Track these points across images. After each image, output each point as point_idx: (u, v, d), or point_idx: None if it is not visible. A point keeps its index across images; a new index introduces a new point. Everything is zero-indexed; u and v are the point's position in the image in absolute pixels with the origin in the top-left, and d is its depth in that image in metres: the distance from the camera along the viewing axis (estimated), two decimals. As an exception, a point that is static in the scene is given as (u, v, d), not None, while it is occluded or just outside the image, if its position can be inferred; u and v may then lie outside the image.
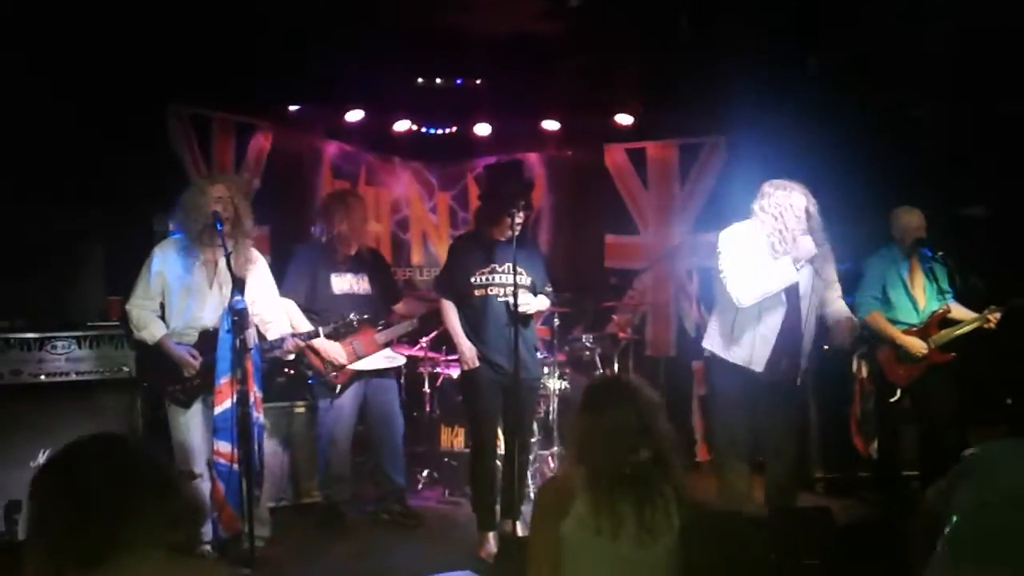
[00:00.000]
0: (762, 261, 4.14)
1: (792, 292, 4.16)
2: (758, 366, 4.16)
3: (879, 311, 5.10)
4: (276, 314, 4.45)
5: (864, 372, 5.39)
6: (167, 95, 5.61)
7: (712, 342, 4.34)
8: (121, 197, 5.26)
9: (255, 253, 4.38)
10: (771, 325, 4.16)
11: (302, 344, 4.49)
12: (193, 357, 4.13)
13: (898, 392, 5.05)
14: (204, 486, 4.10)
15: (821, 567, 3.19)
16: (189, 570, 1.69)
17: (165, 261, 4.20)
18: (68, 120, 4.90)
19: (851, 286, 5.36)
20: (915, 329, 5.04)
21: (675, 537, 2.36)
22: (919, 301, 5.08)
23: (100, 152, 5.07)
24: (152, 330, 4.14)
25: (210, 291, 4.20)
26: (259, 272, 4.38)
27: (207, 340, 4.15)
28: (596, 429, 2.40)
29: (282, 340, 4.35)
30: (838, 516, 3.62)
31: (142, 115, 5.41)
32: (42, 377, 4.54)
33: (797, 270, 4.13)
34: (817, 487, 5.65)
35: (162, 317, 4.22)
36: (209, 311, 4.19)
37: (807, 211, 4.14)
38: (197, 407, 4.18)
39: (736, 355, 4.21)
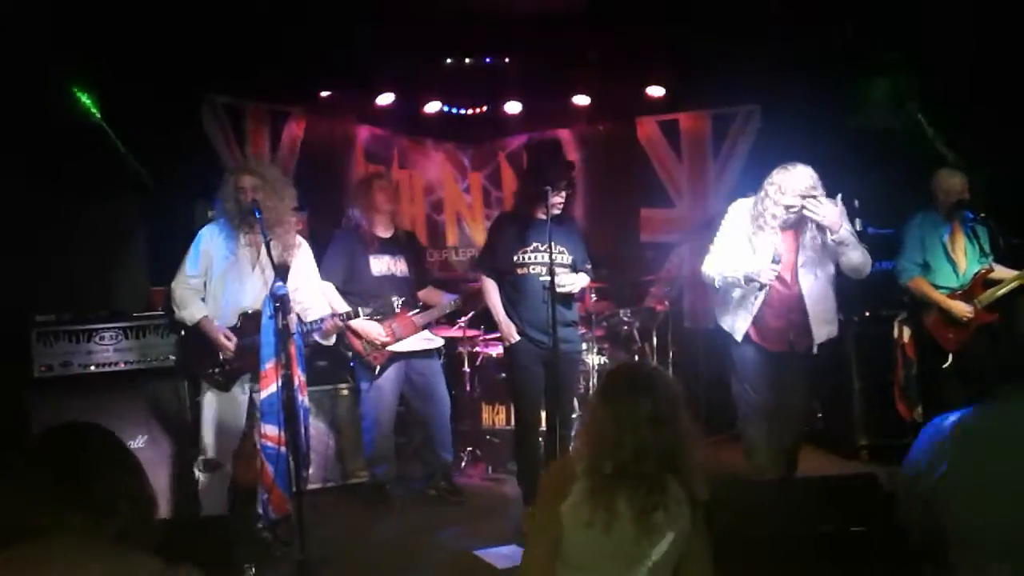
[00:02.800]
0: (741, 245, 4.27)
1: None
2: (738, 335, 4.31)
3: (921, 276, 5.04)
4: (316, 299, 4.50)
5: (906, 337, 5.33)
6: (201, 85, 5.68)
7: (717, 313, 4.50)
8: (161, 187, 5.33)
9: (299, 239, 4.42)
10: (752, 300, 4.26)
11: (340, 324, 4.53)
12: (227, 339, 4.18)
13: (949, 357, 4.99)
14: (225, 475, 4.22)
15: (868, 534, 3.18)
16: (103, 555, 1.67)
17: (212, 241, 4.26)
18: (108, 112, 4.98)
19: (893, 251, 5.31)
20: (959, 292, 4.97)
21: (679, 536, 2.32)
22: (960, 264, 5.00)
23: (139, 142, 5.15)
24: (192, 310, 4.20)
25: (252, 274, 4.25)
26: (302, 258, 4.43)
27: (247, 323, 4.22)
28: (606, 416, 2.32)
29: (321, 321, 4.40)
30: (884, 483, 3.60)
31: (179, 105, 5.47)
32: (91, 368, 4.63)
33: (776, 262, 4.16)
34: (862, 454, 5.61)
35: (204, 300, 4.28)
36: (250, 294, 4.25)
37: (811, 188, 4.16)
38: (235, 393, 4.24)
39: (727, 323, 4.38)
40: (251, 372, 4.19)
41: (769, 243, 4.20)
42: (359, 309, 4.57)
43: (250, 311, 4.22)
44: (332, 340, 4.71)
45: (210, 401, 4.24)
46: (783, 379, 4.34)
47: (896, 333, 5.42)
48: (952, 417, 2.46)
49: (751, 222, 4.26)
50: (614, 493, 2.28)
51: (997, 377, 2.35)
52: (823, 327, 4.29)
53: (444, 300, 5.18)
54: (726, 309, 4.40)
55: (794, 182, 4.14)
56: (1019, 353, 2.22)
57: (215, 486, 4.24)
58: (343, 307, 4.73)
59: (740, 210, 4.35)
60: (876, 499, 3.39)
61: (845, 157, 6.08)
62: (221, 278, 4.25)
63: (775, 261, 4.15)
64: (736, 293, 4.32)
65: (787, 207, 4.14)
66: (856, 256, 4.25)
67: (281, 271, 4.10)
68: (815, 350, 4.29)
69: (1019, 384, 2.31)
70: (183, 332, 4.31)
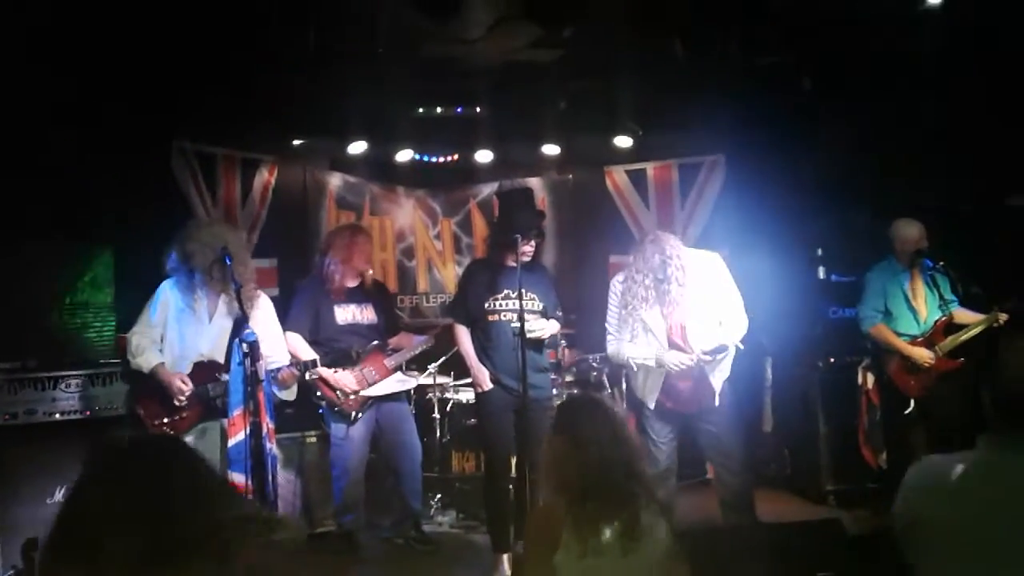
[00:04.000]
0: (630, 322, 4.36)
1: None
2: (650, 402, 4.38)
3: (883, 323, 5.13)
4: (276, 349, 4.48)
5: (870, 383, 5.41)
6: (172, 131, 5.70)
7: (630, 379, 4.69)
8: (129, 233, 5.31)
9: (258, 292, 4.48)
10: (657, 372, 4.34)
11: (297, 374, 4.51)
12: (184, 383, 4.18)
13: (911, 403, 5.07)
14: None
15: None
16: None
17: (171, 292, 4.32)
18: (74, 160, 4.97)
19: (855, 298, 5.42)
20: (920, 339, 5.06)
21: (663, 555, 2.37)
22: (920, 312, 5.11)
23: (107, 192, 5.14)
24: (148, 357, 4.23)
25: (209, 324, 4.30)
26: (261, 309, 4.44)
27: (201, 371, 4.24)
28: (564, 442, 2.44)
29: (277, 370, 4.38)
30: (850, 527, 3.63)
31: (149, 150, 5.48)
32: (56, 415, 4.58)
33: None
34: (829, 499, 5.65)
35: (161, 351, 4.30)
36: (206, 342, 4.29)
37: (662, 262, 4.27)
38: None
39: (639, 392, 4.49)
40: (201, 423, 4.22)
41: (653, 317, 4.28)
42: (316, 359, 4.57)
43: (206, 360, 4.25)
44: (292, 393, 4.67)
45: None
46: (707, 438, 4.39)
47: (860, 379, 5.50)
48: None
49: (620, 300, 4.39)
50: (596, 516, 2.35)
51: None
52: (719, 378, 4.33)
53: (415, 341, 5.21)
54: (636, 378, 4.49)
55: (646, 261, 4.30)
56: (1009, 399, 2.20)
57: None
58: (310, 356, 4.74)
59: (618, 286, 4.48)
60: (842, 544, 3.42)
61: (807, 206, 6.24)
62: (177, 328, 4.29)
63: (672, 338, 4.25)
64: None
65: (646, 286, 4.27)
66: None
67: (244, 320, 4.13)
68: (717, 401, 4.32)
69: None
70: (134, 383, 4.34)
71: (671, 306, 4.23)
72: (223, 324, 4.23)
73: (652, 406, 4.38)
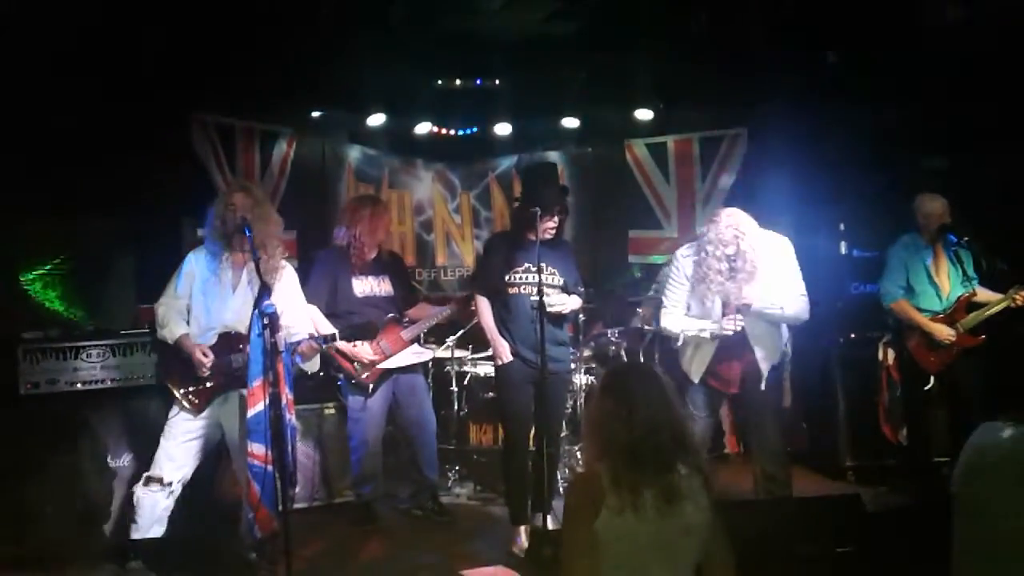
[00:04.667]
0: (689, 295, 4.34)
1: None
2: (695, 376, 4.40)
3: (904, 299, 5.08)
4: (299, 322, 4.47)
5: (890, 359, 5.37)
6: (192, 103, 5.70)
7: (679, 354, 4.57)
8: (150, 206, 5.33)
9: (283, 263, 4.42)
10: (708, 347, 4.33)
11: (317, 347, 4.48)
12: (205, 355, 4.17)
13: (931, 380, 5.03)
14: (165, 496, 4.16)
15: (854, 555, 3.20)
16: None
17: (196, 263, 4.29)
18: (96, 131, 4.98)
19: (877, 273, 5.36)
20: (942, 316, 5.01)
21: (705, 527, 2.38)
22: (943, 288, 5.06)
23: (128, 162, 5.15)
24: (173, 328, 4.21)
25: (233, 295, 4.26)
26: (285, 281, 4.41)
27: (226, 343, 4.23)
28: (621, 412, 2.42)
29: (297, 343, 4.37)
30: (869, 504, 3.62)
31: (168, 124, 5.49)
32: (78, 385, 4.62)
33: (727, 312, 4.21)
34: (848, 475, 5.63)
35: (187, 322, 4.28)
36: (231, 313, 4.26)
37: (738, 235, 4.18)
38: (201, 422, 4.21)
39: (684, 365, 4.49)
40: (224, 393, 4.21)
41: (719, 292, 4.24)
42: (335, 332, 4.54)
43: (231, 331, 4.23)
44: (316, 365, 4.67)
45: (175, 422, 4.20)
46: (750, 419, 4.44)
47: (880, 355, 5.46)
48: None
49: (694, 273, 4.31)
50: (636, 477, 2.35)
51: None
52: (767, 363, 4.32)
53: (432, 311, 5.20)
54: (684, 352, 4.48)
55: (719, 236, 4.20)
56: None
57: (152, 503, 4.17)
58: (329, 329, 4.75)
59: (685, 259, 4.40)
60: (861, 520, 3.42)
61: (829, 180, 6.16)
62: (202, 298, 4.26)
63: (727, 311, 4.20)
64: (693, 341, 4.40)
65: (718, 257, 4.19)
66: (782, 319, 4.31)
67: (266, 290, 4.11)
68: (763, 385, 4.31)
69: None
70: (163, 351, 4.31)
71: (739, 284, 4.16)
72: (246, 295, 4.21)
73: (696, 380, 4.40)
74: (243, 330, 4.25)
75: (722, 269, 4.17)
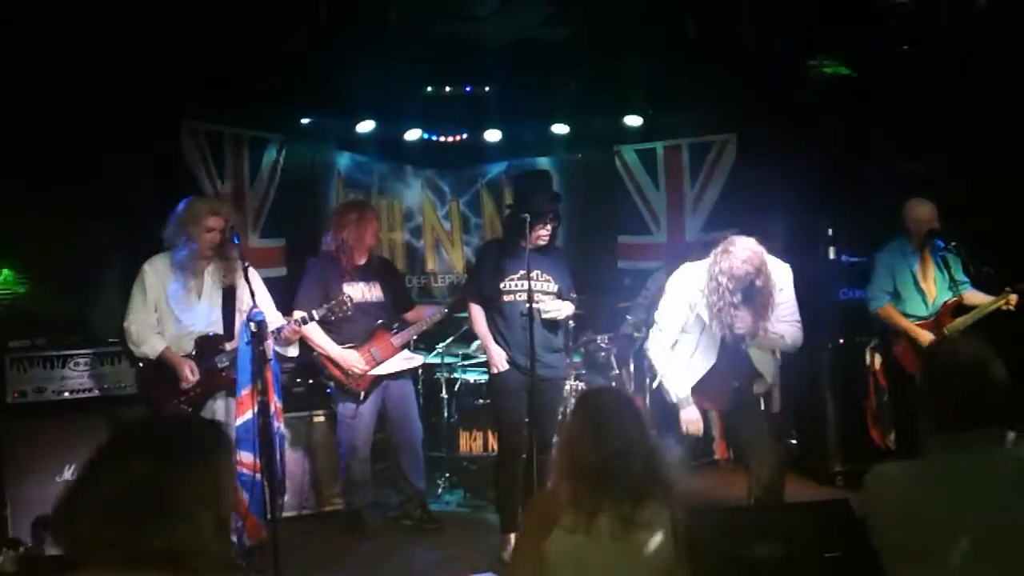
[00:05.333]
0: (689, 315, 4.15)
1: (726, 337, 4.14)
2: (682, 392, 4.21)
3: (891, 304, 5.10)
4: (269, 311, 4.43)
5: (877, 364, 5.38)
6: (181, 112, 5.69)
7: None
8: (137, 214, 5.31)
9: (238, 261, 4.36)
10: (702, 364, 4.20)
11: (297, 329, 4.51)
12: (192, 372, 4.19)
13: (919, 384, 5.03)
14: None
15: (842, 560, 3.20)
16: None
17: (156, 275, 4.27)
18: (85, 138, 4.97)
19: (866, 279, 5.38)
20: (928, 321, 5.03)
21: (669, 544, 2.35)
22: (929, 294, 5.08)
23: (117, 169, 5.14)
24: (153, 343, 4.20)
25: (200, 301, 4.30)
26: (255, 281, 4.34)
27: (206, 345, 4.26)
28: (585, 422, 2.43)
29: (279, 330, 4.39)
30: (858, 508, 3.62)
31: (158, 130, 5.47)
32: (65, 394, 4.60)
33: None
34: (837, 480, 5.63)
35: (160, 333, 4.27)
36: (201, 321, 4.29)
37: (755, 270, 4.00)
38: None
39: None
40: (216, 391, 4.22)
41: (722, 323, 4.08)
42: (313, 312, 4.56)
43: (208, 335, 4.28)
44: (295, 349, 4.67)
45: None
46: (743, 433, 4.35)
47: (868, 360, 5.47)
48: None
49: (707, 305, 4.08)
50: (598, 500, 2.32)
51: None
52: (762, 387, 4.28)
53: (426, 313, 5.21)
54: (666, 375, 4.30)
55: (732, 268, 3.99)
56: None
57: None
58: (318, 335, 4.79)
59: (689, 285, 4.18)
60: (850, 525, 3.41)
61: (818, 186, 6.19)
62: (170, 308, 4.26)
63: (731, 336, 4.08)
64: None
65: (731, 290, 3.99)
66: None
67: (230, 294, 4.23)
68: (762, 405, 4.29)
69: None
70: (143, 369, 4.28)
71: (751, 314, 4.02)
72: (213, 299, 4.28)
73: (677, 397, 4.22)
74: (219, 330, 4.26)
75: (735, 302, 4.00)
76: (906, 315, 5.07)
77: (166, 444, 1.56)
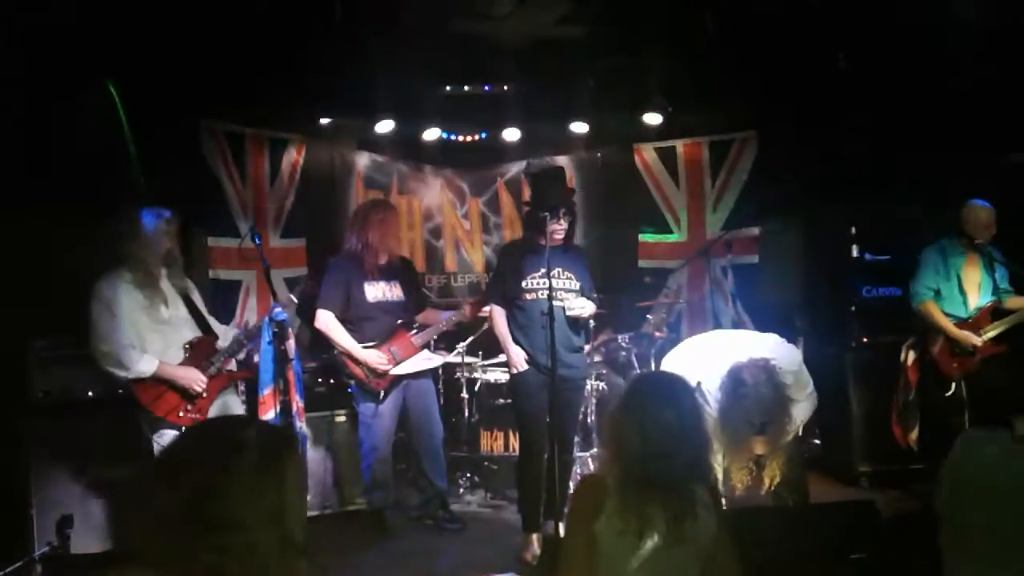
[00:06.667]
0: None
1: None
2: None
3: (933, 301, 5.07)
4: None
5: (911, 361, 5.33)
6: (200, 112, 5.71)
7: None
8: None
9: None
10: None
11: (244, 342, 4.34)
12: (199, 383, 4.05)
13: (952, 386, 5.01)
14: None
15: (868, 561, 3.17)
16: None
17: (119, 292, 4.01)
18: (104, 138, 4.99)
19: (890, 277, 5.34)
20: (968, 322, 5.00)
21: (709, 541, 2.35)
22: (970, 296, 5.06)
23: (138, 167, 5.16)
24: (144, 364, 3.96)
25: (168, 309, 4.13)
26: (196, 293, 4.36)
27: (200, 348, 4.14)
28: (631, 425, 2.38)
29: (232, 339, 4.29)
30: (883, 509, 3.59)
31: (178, 130, 5.49)
32: (90, 393, 4.62)
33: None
34: (861, 481, 5.59)
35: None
36: (179, 327, 4.15)
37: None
38: None
39: None
40: (220, 392, 4.15)
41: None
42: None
43: (193, 341, 4.15)
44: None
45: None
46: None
47: (903, 356, 5.41)
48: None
49: (723, 432, 3.71)
50: (644, 501, 2.31)
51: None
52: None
53: (442, 317, 5.20)
54: None
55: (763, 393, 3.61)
56: None
57: None
58: (342, 335, 4.91)
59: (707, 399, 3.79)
60: (875, 526, 3.39)
61: (840, 184, 6.13)
62: (150, 323, 4.05)
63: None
64: None
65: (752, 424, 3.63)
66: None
67: (185, 299, 4.17)
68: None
69: None
70: (136, 391, 4.00)
71: (771, 435, 3.70)
72: (178, 304, 4.16)
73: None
74: (197, 332, 4.19)
75: (754, 423, 3.65)
76: (945, 315, 5.04)
77: (222, 448, 1.41)
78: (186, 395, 4.05)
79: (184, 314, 4.14)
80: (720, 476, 3.86)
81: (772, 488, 4.23)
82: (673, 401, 2.41)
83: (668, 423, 2.34)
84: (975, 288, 5.05)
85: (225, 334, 4.34)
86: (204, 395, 4.08)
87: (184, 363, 4.08)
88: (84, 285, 4.09)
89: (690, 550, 2.33)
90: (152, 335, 4.05)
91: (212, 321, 4.36)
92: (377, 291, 5.01)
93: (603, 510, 2.33)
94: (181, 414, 4.04)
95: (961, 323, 5.01)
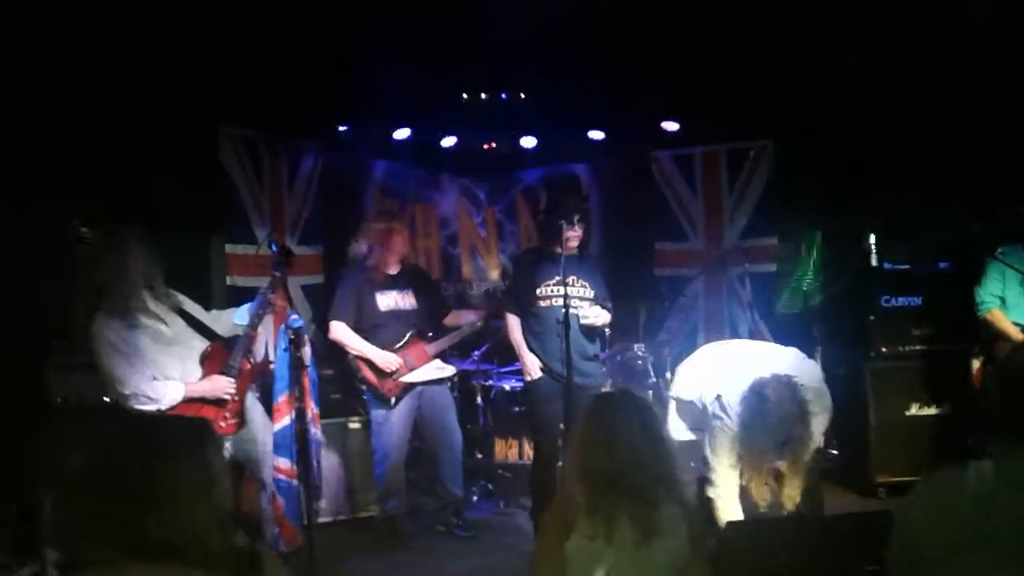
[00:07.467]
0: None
1: None
2: None
3: (999, 308, 5.04)
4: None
5: (975, 367, 5.30)
6: (218, 119, 5.75)
7: None
8: (174, 221, 5.33)
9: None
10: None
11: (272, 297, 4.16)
12: (229, 390, 3.98)
13: None
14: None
15: (882, 573, 3.13)
16: None
17: (119, 330, 3.80)
18: (123, 145, 5.02)
19: (908, 287, 5.28)
20: None
21: (684, 542, 2.36)
22: None
23: (155, 176, 5.19)
24: (172, 392, 3.84)
25: (169, 328, 3.98)
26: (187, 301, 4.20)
27: (216, 354, 4.03)
28: (597, 431, 2.43)
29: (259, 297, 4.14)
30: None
31: (196, 138, 5.52)
32: (106, 399, 4.64)
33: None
34: (879, 492, 5.53)
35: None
36: (192, 347, 4.02)
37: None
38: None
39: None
40: (246, 391, 4.07)
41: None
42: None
43: (207, 350, 4.04)
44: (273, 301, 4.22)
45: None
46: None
47: (972, 364, 5.39)
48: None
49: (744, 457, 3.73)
50: (613, 505, 2.34)
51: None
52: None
53: (464, 319, 5.22)
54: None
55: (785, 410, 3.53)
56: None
57: None
58: (356, 342, 4.93)
59: (728, 423, 3.76)
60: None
61: (859, 192, 6.09)
62: (162, 350, 3.91)
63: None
64: None
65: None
66: None
67: (180, 310, 4.02)
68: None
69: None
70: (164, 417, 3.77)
71: (790, 454, 3.63)
72: (176, 321, 4.00)
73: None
74: (205, 341, 4.07)
75: (776, 440, 3.56)
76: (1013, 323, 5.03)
77: (157, 439, 1.68)
78: (220, 403, 3.99)
79: (185, 327, 4.04)
80: (729, 492, 3.83)
81: (794, 505, 4.18)
82: (637, 417, 2.46)
83: (634, 438, 2.40)
84: None
85: (240, 314, 4.19)
86: (236, 398, 4.03)
87: (205, 375, 4.00)
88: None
89: (659, 558, 2.33)
90: (166, 359, 3.93)
91: (213, 315, 4.25)
92: (389, 300, 5.02)
93: (574, 527, 2.36)
94: (223, 424, 3.98)
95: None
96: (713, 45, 5.76)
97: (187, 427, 1.82)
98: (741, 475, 3.75)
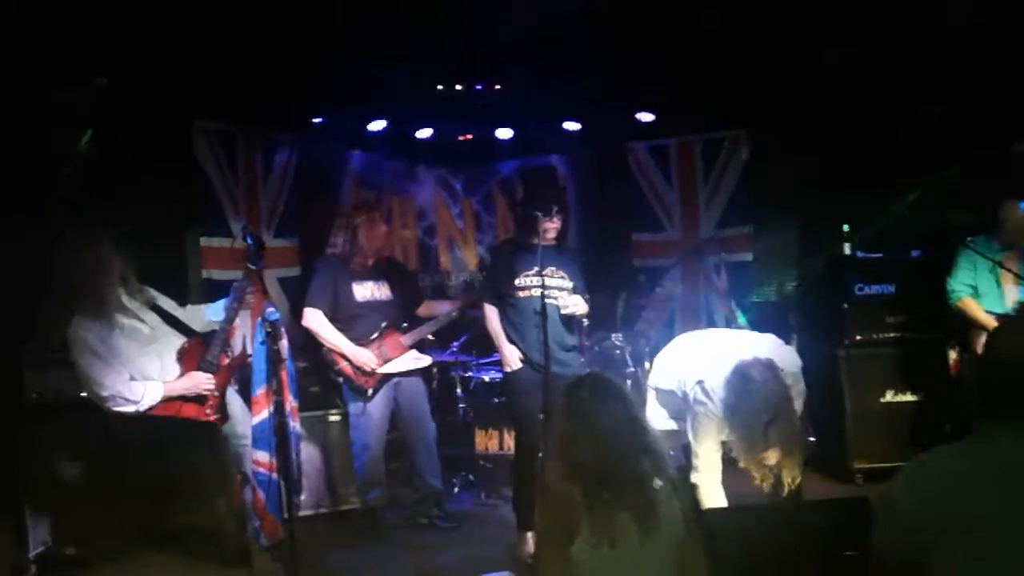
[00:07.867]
0: None
1: None
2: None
3: (971, 297, 5.09)
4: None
5: (953, 357, 5.36)
6: (192, 112, 5.69)
7: None
8: (149, 215, 5.28)
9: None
10: None
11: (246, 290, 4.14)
12: (207, 378, 3.97)
13: None
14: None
15: (862, 558, 3.17)
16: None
17: (96, 332, 3.76)
18: (97, 140, 4.97)
19: (881, 275, 5.33)
20: (1003, 318, 5.02)
21: (679, 532, 2.36)
22: (1008, 293, 5.06)
23: (127, 171, 5.13)
24: (151, 392, 3.82)
25: (144, 322, 3.96)
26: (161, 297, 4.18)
27: (193, 349, 4.01)
28: (587, 435, 2.38)
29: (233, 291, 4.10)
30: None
31: (170, 131, 5.47)
32: (84, 395, 4.59)
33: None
34: (856, 478, 5.60)
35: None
36: (169, 344, 4.01)
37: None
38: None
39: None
40: (225, 386, 4.07)
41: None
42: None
43: (183, 347, 4.02)
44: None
45: None
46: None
47: (950, 357, 5.45)
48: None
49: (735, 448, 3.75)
50: (613, 505, 2.32)
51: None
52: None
53: (439, 308, 5.23)
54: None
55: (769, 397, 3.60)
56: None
57: None
58: (332, 334, 4.91)
59: (713, 408, 3.82)
60: (870, 523, 3.39)
61: (833, 181, 6.15)
62: (141, 350, 3.89)
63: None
64: None
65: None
66: None
67: (155, 306, 4.00)
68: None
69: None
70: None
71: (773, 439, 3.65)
72: (151, 317, 3.98)
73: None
74: (181, 338, 4.07)
75: (762, 419, 3.60)
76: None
77: (180, 438, 1.79)
78: (200, 400, 3.98)
79: (162, 323, 4.01)
80: (712, 477, 3.89)
81: (793, 488, 4.19)
82: (612, 397, 2.45)
83: (616, 421, 2.38)
84: (1012, 285, 5.05)
85: (215, 310, 4.17)
86: (216, 393, 4.03)
87: (183, 372, 3.98)
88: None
89: (662, 546, 2.33)
90: (145, 358, 3.89)
91: (188, 310, 4.23)
92: (365, 291, 5.02)
93: (578, 531, 2.33)
94: (213, 417, 3.98)
95: (1000, 318, 5.02)
96: (687, 36, 5.77)
97: (204, 428, 2.06)
98: (737, 460, 3.78)
